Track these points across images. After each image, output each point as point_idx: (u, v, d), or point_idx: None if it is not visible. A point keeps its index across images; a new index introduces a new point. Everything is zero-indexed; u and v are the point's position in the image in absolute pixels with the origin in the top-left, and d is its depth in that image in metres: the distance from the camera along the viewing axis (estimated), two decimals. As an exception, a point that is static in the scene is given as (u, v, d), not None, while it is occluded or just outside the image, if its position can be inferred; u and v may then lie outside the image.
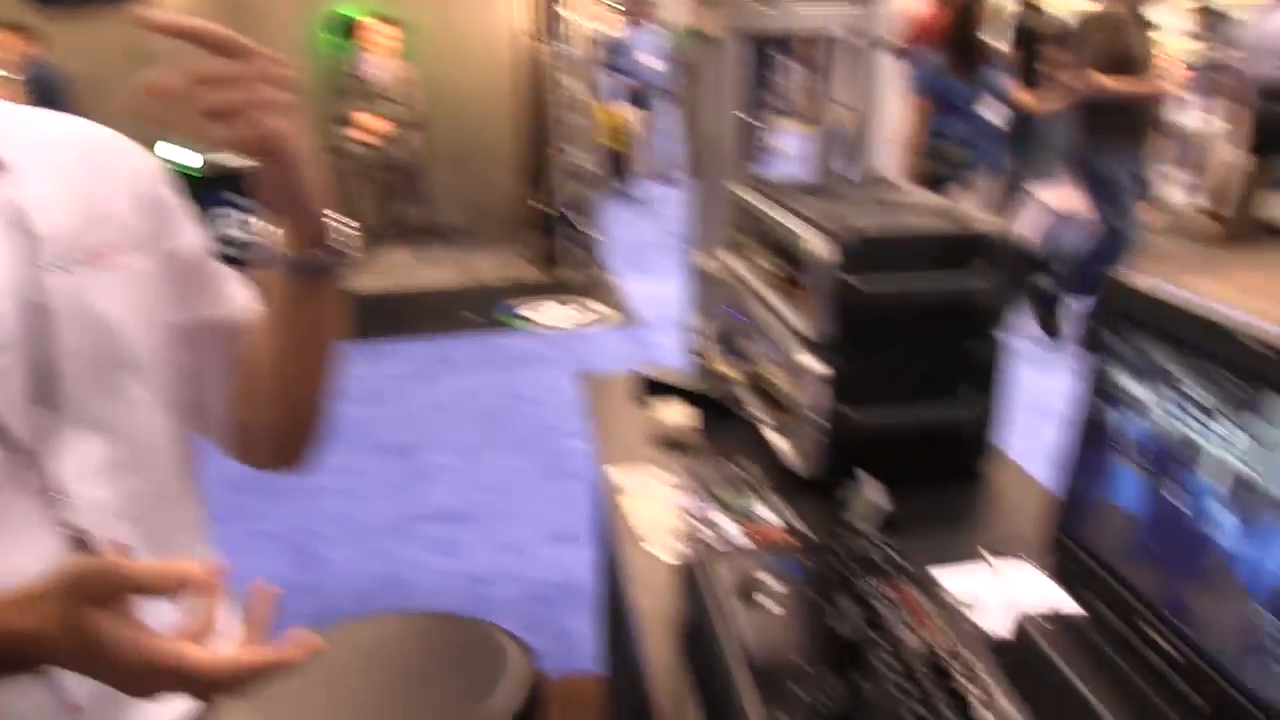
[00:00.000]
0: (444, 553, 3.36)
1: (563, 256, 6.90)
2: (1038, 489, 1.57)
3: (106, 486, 0.95)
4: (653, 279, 6.79)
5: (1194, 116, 8.09)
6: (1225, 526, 0.84)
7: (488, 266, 6.72)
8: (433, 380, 5.03)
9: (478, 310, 5.94)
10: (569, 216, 6.79)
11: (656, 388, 1.84)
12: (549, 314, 6.07)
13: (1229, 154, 7.86)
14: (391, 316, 6.11)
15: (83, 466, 0.93)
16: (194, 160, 5.40)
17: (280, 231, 0.99)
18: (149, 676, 0.81)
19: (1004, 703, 0.92)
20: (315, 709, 1.48)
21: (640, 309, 6.19)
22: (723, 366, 1.96)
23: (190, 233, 1.08)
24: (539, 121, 7.26)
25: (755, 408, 1.70)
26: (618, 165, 9.35)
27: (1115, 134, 4.95)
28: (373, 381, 5.00)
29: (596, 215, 7.00)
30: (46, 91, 6.30)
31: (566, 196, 6.82)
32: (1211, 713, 0.84)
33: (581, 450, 4.20)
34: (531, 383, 4.95)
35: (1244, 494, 0.83)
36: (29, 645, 0.80)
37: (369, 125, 6.67)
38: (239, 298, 1.12)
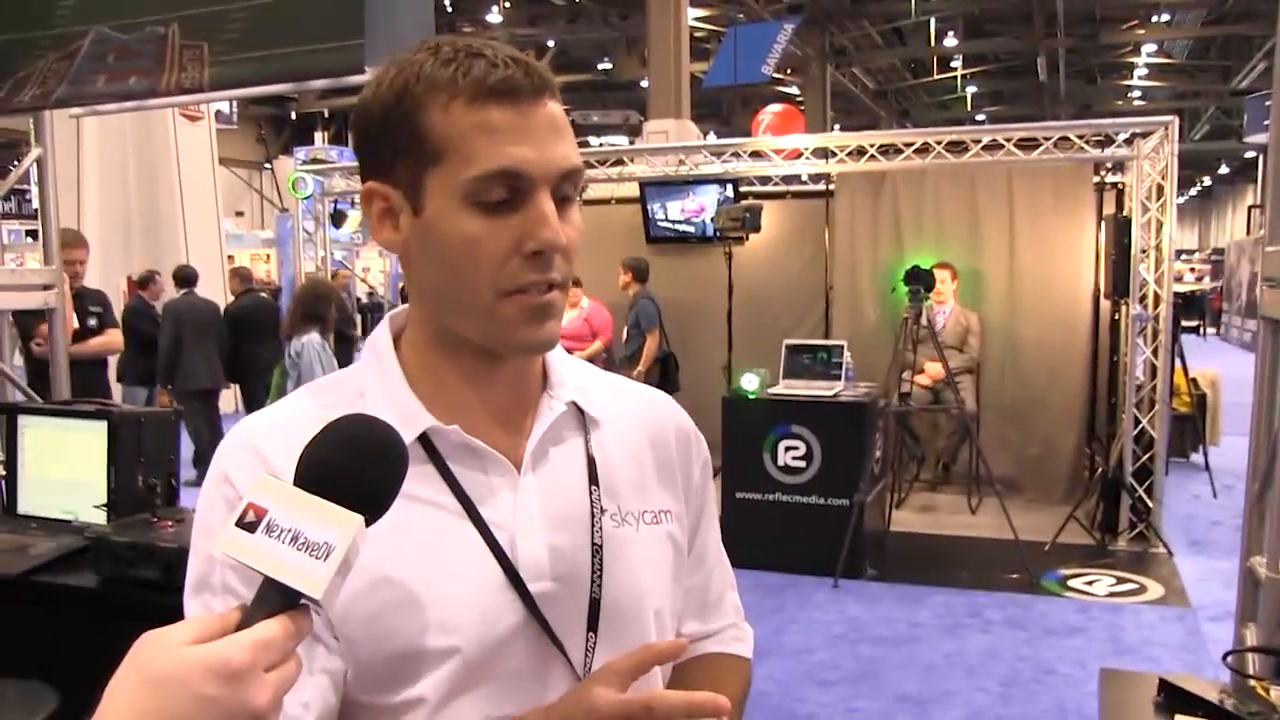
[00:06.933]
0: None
1: (1118, 525, 6.43)
2: None
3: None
4: (1212, 559, 6.13)
5: None
6: None
7: (1035, 524, 6.39)
8: (958, 635, 4.89)
9: (1017, 567, 5.70)
10: (1129, 484, 6.33)
11: (1184, 700, 1.69)
12: (1092, 583, 5.68)
13: None
14: (928, 559, 6.09)
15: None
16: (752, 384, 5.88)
17: None
18: None
19: None
20: None
21: (1192, 590, 5.59)
22: (1273, 695, 1.76)
23: (710, 526, 1.23)
24: (1109, 383, 6.95)
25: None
26: (1192, 432, 8.63)
27: None
28: (898, 625, 5.00)
29: (1160, 484, 6.46)
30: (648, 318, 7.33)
31: (1130, 463, 6.38)
32: None
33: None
34: (1058, 655, 4.64)
35: None
36: None
37: (928, 370, 6.88)
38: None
